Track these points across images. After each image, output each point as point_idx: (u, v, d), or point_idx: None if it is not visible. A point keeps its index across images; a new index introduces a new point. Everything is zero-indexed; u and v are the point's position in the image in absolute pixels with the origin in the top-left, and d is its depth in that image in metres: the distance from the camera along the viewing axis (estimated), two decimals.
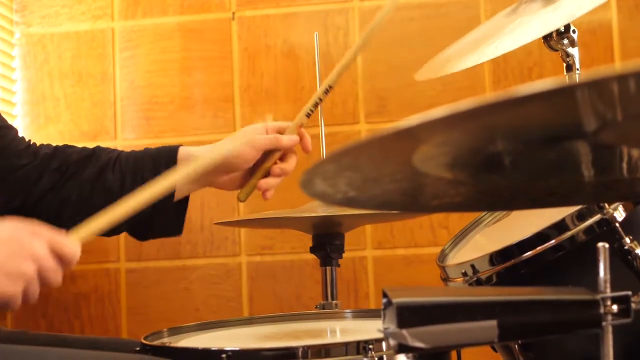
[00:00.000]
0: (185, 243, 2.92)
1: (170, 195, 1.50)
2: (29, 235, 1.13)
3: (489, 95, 0.56)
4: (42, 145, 1.55)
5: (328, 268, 1.92)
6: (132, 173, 1.50)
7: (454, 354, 1.34)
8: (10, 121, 1.58)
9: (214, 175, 1.51)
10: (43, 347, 1.22)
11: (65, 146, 1.55)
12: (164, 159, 1.51)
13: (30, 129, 3.00)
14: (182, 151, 1.51)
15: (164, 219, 1.55)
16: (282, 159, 1.53)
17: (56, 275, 1.14)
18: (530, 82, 0.57)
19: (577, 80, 0.57)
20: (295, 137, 1.52)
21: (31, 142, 1.55)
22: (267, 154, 1.51)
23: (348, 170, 0.71)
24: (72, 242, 1.18)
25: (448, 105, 0.57)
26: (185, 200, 1.56)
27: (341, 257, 1.93)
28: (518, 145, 0.78)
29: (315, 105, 1.54)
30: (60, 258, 1.15)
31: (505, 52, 1.64)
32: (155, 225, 1.55)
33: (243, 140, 1.48)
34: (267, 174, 1.52)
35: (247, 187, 1.53)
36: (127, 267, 2.95)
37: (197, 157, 1.48)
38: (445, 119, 0.57)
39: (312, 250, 1.93)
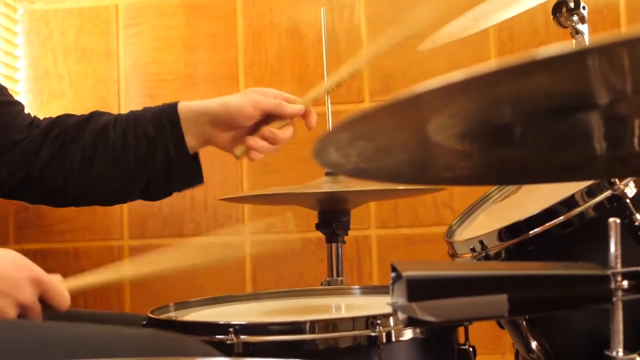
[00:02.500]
0: (188, 221, 2.92)
1: (186, 149, 1.50)
2: (26, 281, 1.14)
3: (505, 59, 0.55)
4: (44, 118, 1.55)
5: (334, 245, 1.91)
6: (134, 129, 1.50)
7: (461, 330, 1.33)
8: None
9: (214, 129, 1.50)
10: (48, 322, 1.22)
11: (65, 115, 1.55)
12: (165, 113, 1.50)
13: (33, 105, 2.99)
14: (181, 105, 1.51)
15: (183, 173, 1.55)
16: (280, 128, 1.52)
17: (37, 318, 1.16)
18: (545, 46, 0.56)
19: (589, 45, 0.56)
20: (299, 107, 1.51)
21: (36, 118, 1.55)
22: (268, 119, 1.50)
23: (361, 139, 0.70)
24: (64, 295, 1.19)
25: (464, 69, 0.56)
26: (196, 154, 1.57)
27: (347, 234, 1.92)
28: (529, 116, 0.77)
29: (327, 92, 1.53)
30: (48, 306, 1.17)
31: (512, 30, 1.63)
32: (174, 182, 1.56)
33: (247, 97, 1.48)
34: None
35: (243, 144, 1.52)
36: (131, 245, 2.95)
37: (198, 106, 1.49)
38: (462, 83, 0.56)
39: (318, 226, 1.93)
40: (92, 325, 1.19)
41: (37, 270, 1.15)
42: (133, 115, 1.53)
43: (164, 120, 1.49)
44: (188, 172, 1.55)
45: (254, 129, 1.51)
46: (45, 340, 1.10)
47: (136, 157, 1.49)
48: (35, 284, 1.14)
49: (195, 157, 1.56)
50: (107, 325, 1.23)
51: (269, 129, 1.49)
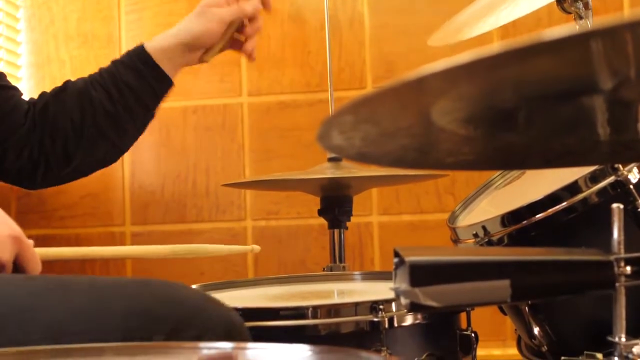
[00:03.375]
0: (190, 207, 2.92)
1: (169, 81, 1.55)
2: (7, 237, 1.13)
3: (510, 41, 0.55)
4: (31, 99, 1.57)
5: (336, 231, 1.91)
6: (114, 83, 1.53)
7: (463, 316, 1.33)
8: (15, 83, 1.60)
9: (187, 54, 1.54)
10: (43, 275, 1.23)
11: (44, 92, 1.58)
12: (137, 58, 1.54)
13: (35, 91, 2.98)
14: (148, 46, 1.54)
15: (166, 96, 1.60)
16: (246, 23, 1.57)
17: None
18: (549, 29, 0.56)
19: (592, 28, 0.56)
20: (256, 1, 1.56)
21: (31, 100, 1.56)
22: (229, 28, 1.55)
23: (365, 122, 0.70)
24: (36, 263, 1.18)
25: (470, 51, 0.56)
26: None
27: (349, 220, 1.92)
28: (533, 100, 0.77)
29: None
30: (19, 269, 1.16)
31: (516, 19, 1.63)
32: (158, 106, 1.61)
33: (207, 16, 1.52)
34: (239, 41, 1.58)
35: (212, 50, 1.56)
36: (133, 231, 2.95)
37: (166, 43, 1.53)
38: (467, 65, 0.56)
39: (321, 212, 1.93)
40: (84, 276, 1.19)
41: (18, 229, 1.15)
42: (105, 71, 1.56)
43: (139, 65, 1.53)
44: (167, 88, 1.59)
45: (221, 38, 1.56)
46: (39, 290, 1.10)
47: (125, 107, 1.53)
48: (16, 242, 1.14)
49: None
50: (100, 277, 1.24)
51: (249, 28, 1.56)
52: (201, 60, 1.57)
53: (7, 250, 1.13)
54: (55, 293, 1.10)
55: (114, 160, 1.64)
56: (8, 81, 1.57)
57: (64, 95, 1.54)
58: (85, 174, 1.62)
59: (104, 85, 1.53)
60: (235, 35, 1.57)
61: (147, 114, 1.57)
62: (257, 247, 1.43)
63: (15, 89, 1.57)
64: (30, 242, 1.17)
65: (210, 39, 1.52)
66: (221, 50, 1.57)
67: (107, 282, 1.15)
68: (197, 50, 1.54)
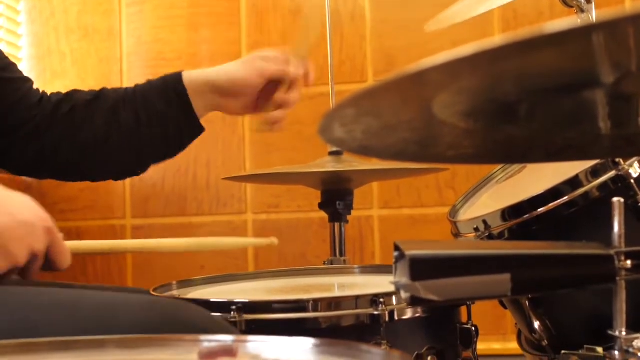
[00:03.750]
0: (191, 200, 2.92)
1: (196, 119, 1.52)
2: (43, 231, 1.12)
3: (512, 34, 0.55)
4: (52, 94, 1.54)
5: (337, 224, 1.91)
6: (144, 107, 1.50)
7: (464, 310, 1.33)
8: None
9: (221, 98, 1.51)
10: (51, 288, 1.23)
11: (73, 91, 1.55)
12: (172, 85, 1.51)
13: (36, 84, 2.97)
14: (186, 77, 1.51)
15: (192, 137, 1.57)
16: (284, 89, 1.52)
17: (33, 274, 1.15)
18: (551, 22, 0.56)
19: (594, 21, 0.56)
20: (299, 68, 1.51)
21: (44, 93, 1.54)
22: (274, 83, 1.51)
23: (367, 115, 0.70)
24: (67, 255, 1.18)
25: (472, 44, 0.55)
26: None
27: (350, 214, 1.92)
28: (534, 94, 0.77)
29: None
30: (50, 262, 1.15)
31: (517, 11, 1.63)
32: (184, 145, 1.58)
33: (251, 66, 1.49)
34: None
35: (260, 117, 1.53)
36: (133, 224, 2.95)
37: (202, 78, 1.50)
38: (468, 58, 0.56)
39: (321, 206, 1.92)
40: (92, 292, 1.19)
41: (50, 221, 1.15)
42: (141, 92, 1.52)
43: (171, 94, 1.50)
44: (195, 135, 1.56)
45: (261, 93, 1.51)
46: (44, 305, 1.10)
47: (150, 134, 1.50)
48: (49, 234, 1.13)
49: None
50: (107, 292, 1.23)
51: (280, 97, 1.50)
52: (256, 129, 1.54)
53: (41, 241, 1.12)
54: (63, 310, 1.10)
55: (125, 178, 1.64)
56: (19, 71, 1.54)
57: (95, 106, 1.51)
58: (94, 181, 1.62)
59: (134, 107, 1.50)
60: (281, 100, 1.52)
61: (169, 148, 1.56)
62: (275, 240, 1.43)
63: (26, 80, 1.54)
64: (61, 235, 1.17)
65: (246, 88, 1.49)
66: (267, 125, 1.52)
67: (115, 300, 1.15)
68: (232, 97, 1.50)
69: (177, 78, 1.51)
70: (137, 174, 1.60)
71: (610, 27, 0.58)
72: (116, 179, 1.61)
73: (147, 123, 1.49)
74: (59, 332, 1.04)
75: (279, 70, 1.49)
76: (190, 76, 1.51)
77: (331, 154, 1.84)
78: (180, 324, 1.07)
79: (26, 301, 1.11)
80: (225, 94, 1.50)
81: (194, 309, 1.12)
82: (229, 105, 1.52)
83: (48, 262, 1.16)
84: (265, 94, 1.51)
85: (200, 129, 1.54)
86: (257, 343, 0.80)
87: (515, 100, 0.79)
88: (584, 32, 0.58)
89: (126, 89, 1.54)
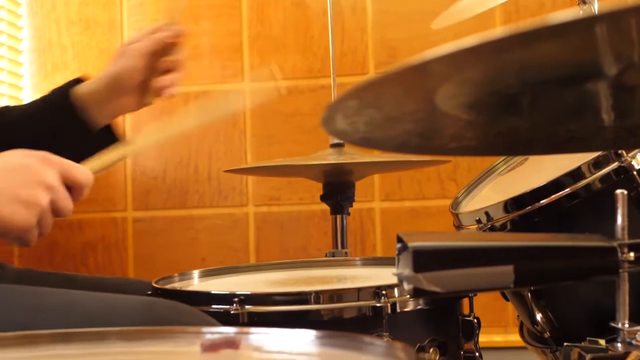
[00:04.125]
0: (192, 193, 2.92)
1: (89, 134, 1.45)
2: (41, 163, 1.11)
3: (514, 26, 0.55)
4: None
5: (338, 216, 1.91)
6: (34, 129, 1.45)
7: (466, 301, 1.33)
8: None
9: (116, 99, 1.44)
10: (46, 288, 1.22)
11: None
12: (61, 103, 1.45)
13: (37, 77, 2.98)
14: (77, 91, 1.45)
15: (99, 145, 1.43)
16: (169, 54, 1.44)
17: (68, 204, 1.13)
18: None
19: (597, 12, 0.56)
20: (176, 28, 1.44)
21: None
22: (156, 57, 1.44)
23: (370, 107, 0.70)
24: (84, 169, 1.16)
25: (474, 36, 0.55)
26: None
27: (351, 206, 1.92)
28: (537, 85, 0.77)
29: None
30: (73, 186, 1.13)
31: (518, 3, 1.63)
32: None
33: (126, 55, 1.42)
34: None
35: (149, 91, 1.46)
36: (135, 216, 2.95)
37: (93, 87, 1.44)
38: (471, 50, 0.55)
39: (323, 198, 1.92)
40: (90, 293, 1.18)
41: (44, 152, 1.12)
42: (36, 109, 1.47)
43: (59, 115, 1.44)
44: (103, 143, 1.45)
45: (150, 73, 1.45)
46: (42, 306, 1.10)
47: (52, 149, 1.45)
48: (49, 163, 1.11)
49: (108, 128, 1.51)
50: (105, 293, 1.23)
51: (163, 63, 1.43)
52: (143, 104, 1.47)
53: (46, 172, 1.10)
54: (60, 310, 1.09)
55: None
56: None
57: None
58: None
59: (31, 127, 1.45)
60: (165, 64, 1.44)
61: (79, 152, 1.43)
62: (275, 67, 1.40)
63: None
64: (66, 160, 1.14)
65: (134, 75, 1.42)
66: (157, 92, 1.45)
67: (113, 301, 1.14)
68: (128, 93, 1.44)
69: (63, 92, 1.46)
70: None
71: (613, 19, 0.57)
72: None
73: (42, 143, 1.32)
74: None
75: (151, 40, 1.42)
76: (81, 89, 1.45)
77: (332, 146, 1.84)
78: (178, 325, 1.07)
79: (20, 304, 1.10)
80: (119, 93, 1.44)
81: (189, 310, 1.12)
82: (132, 101, 1.46)
83: (72, 190, 1.13)
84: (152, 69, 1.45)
85: (103, 137, 1.46)
86: (259, 335, 0.80)
87: (517, 92, 0.78)
88: (587, 24, 0.58)
89: (29, 103, 1.50)
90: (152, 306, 1.12)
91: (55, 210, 1.12)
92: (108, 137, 1.48)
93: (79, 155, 1.38)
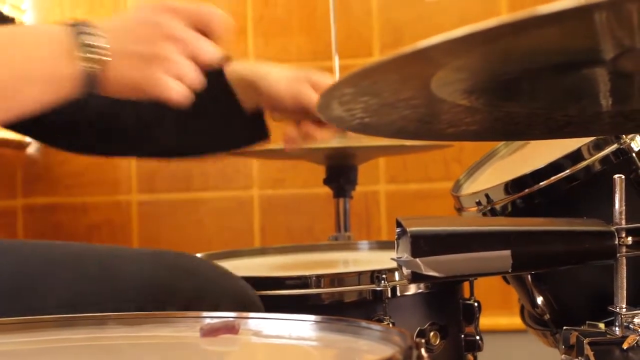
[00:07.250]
0: (197, 175, 2.92)
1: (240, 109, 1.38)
2: (157, 12, 1.01)
3: (508, 15, 0.55)
4: None
5: (341, 200, 1.92)
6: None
7: (466, 285, 1.34)
8: None
9: (253, 93, 1.37)
10: (56, 241, 1.22)
11: None
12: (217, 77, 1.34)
13: None
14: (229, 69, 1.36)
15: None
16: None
17: (206, 49, 1.04)
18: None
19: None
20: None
21: None
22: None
23: (365, 94, 0.70)
24: (211, 10, 1.06)
25: (468, 26, 0.55)
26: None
27: (354, 189, 1.92)
28: (535, 71, 0.77)
29: None
30: (206, 30, 1.04)
31: None
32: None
33: (294, 85, 1.33)
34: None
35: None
36: (139, 199, 2.96)
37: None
38: (465, 38, 0.56)
39: (326, 181, 1.93)
40: (99, 245, 1.19)
41: (168, 2, 1.02)
42: None
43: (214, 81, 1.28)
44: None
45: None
46: (52, 258, 1.10)
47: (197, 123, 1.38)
48: (164, 10, 1.01)
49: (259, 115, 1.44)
50: (114, 245, 1.23)
51: (306, 127, 1.36)
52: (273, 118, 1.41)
53: (164, 20, 0.99)
54: (71, 263, 1.09)
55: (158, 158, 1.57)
56: None
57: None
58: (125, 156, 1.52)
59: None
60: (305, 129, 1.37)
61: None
62: None
63: None
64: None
65: (277, 103, 1.35)
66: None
67: (122, 253, 1.15)
68: (258, 92, 1.36)
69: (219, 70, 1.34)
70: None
71: (613, 5, 0.58)
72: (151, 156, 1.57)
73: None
74: (63, 284, 1.05)
75: (307, 96, 1.32)
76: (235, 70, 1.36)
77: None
78: (188, 274, 1.08)
79: (29, 254, 1.11)
80: (253, 90, 1.37)
81: (200, 260, 1.12)
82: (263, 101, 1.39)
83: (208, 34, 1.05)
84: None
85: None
86: (258, 320, 0.81)
87: (516, 78, 0.79)
88: (586, 10, 0.58)
89: None
90: (162, 255, 1.12)
91: (195, 57, 1.02)
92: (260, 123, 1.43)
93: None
